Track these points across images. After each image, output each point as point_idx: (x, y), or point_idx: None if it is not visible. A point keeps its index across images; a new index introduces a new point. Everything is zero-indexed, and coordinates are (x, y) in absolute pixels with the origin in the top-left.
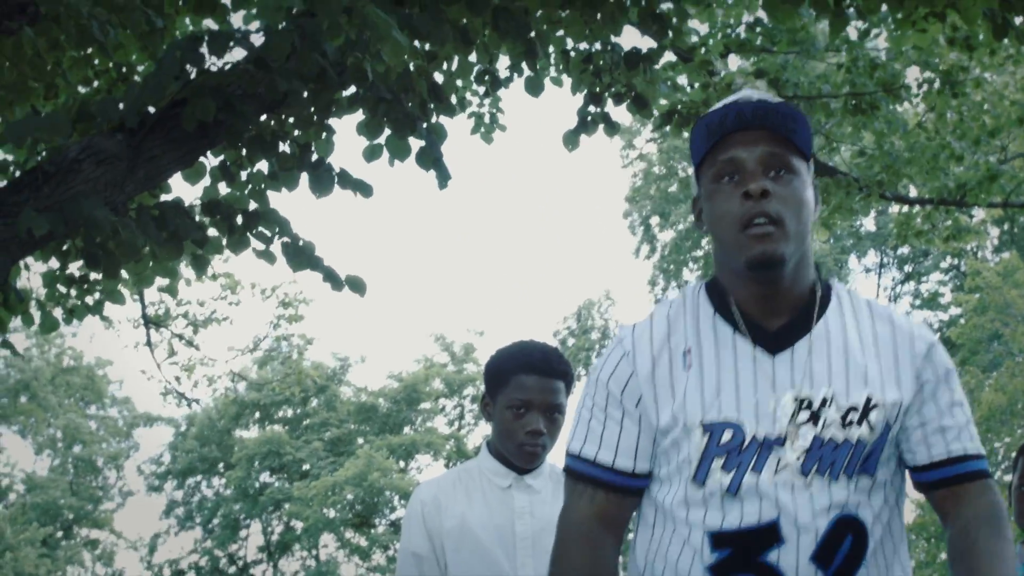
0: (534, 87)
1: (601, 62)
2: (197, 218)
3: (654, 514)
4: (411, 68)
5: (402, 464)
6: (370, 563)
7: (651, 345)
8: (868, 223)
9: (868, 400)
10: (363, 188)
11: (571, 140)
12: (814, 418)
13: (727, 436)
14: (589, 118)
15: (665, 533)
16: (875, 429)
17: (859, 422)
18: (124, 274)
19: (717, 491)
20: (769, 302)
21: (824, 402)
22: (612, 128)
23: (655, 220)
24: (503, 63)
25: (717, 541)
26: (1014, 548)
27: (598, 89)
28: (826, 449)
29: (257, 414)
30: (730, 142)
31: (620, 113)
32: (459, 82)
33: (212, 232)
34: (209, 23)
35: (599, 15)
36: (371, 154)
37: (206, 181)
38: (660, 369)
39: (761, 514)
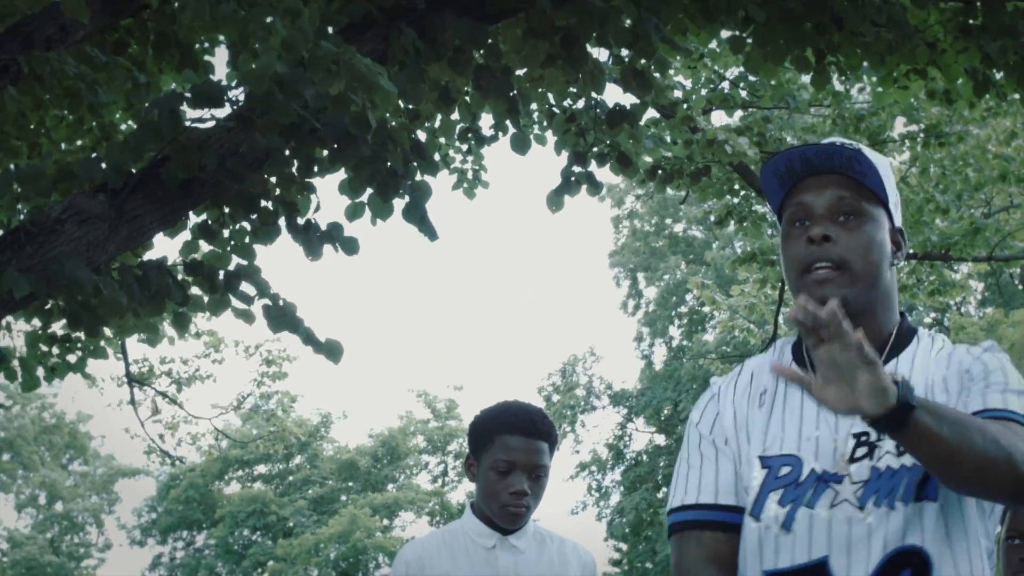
0: (520, 144)
1: (584, 121)
2: (179, 277)
3: None
4: (393, 125)
5: (385, 522)
6: None
7: (734, 389)
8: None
9: None
10: (348, 245)
11: (555, 201)
12: (871, 451)
13: (785, 470)
14: (573, 178)
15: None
16: None
17: None
18: (106, 330)
19: (772, 525)
20: None
21: (880, 435)
22: (595, 187)
23: (641, 275)
24: (486, 121)
25: None
26: (1006, 440)
27: (581, 149)
28: (883, 479)
29: (240, 471)
30: (801, 188)
31: (604, 172)
32: (442, 139)
33: (194, 291)
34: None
35: (580, 73)
36: (353, 213)
37: (186, 236)
38: (739, 410)
39: (811, 551)
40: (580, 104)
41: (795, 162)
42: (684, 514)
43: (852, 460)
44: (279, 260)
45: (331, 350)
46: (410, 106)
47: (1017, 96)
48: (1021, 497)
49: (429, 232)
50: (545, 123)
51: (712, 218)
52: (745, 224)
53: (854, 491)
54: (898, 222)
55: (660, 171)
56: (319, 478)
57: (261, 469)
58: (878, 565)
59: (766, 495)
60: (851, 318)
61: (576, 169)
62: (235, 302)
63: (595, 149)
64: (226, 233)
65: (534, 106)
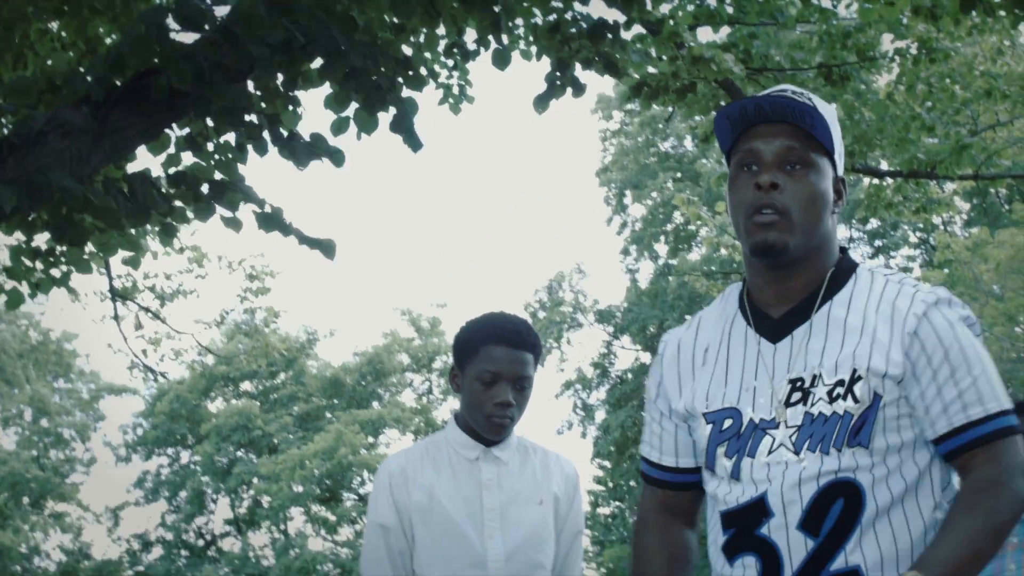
0: (501, 60)
1: (568, 31)
2: (163, 189)
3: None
4: (379, 41)
5: (370, 439)
6: (338, 537)
7: (678, 348)
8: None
9: (854, 372)
10: (335, 156)
11: (541, 104)
12: (805, 396)
13: (727, 423)
14: (557, 82)
15: (711, 518)
16: (861, 400)
17: (844, 395)
18: (90, 246)
19: (724, 476)
20: (777, 289)
21: (814, 380)
22: (579, 90)
23: (629, 192)
24: (471, 36)
25: (726, 521)
26: (987, 520)
27: (565, 56)
28: (816, 424)
29: (226, 388)
30: (752, 134)
31: (592, 79)
32: (427, 55)
33: (178, 203)
34: None
35: None
36: (338, 128)
37: (171, 150)
38: (683, 368)
39: (755, 490)
40: (567, 16)
41: (749, 109)
42: (643, 465)
43: (788, 405)
44: (262, 176)
45: (325, 247)
46: (395, 20)
47: (1003, 13)
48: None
49: (413, 143)
50: (531, 37)
51: (698, 134)
52: None
53: (789, 435)
54: (841, 171)
55: (646, 87)
56: (304, 395)
57: (247, 386)
58: (812, 497)
59: (715, 448)
60: (790, 264)
61: (559, 74)
62: (220, 210)
63: (580, 54)
64: (210, 147)
65: (519, 21)
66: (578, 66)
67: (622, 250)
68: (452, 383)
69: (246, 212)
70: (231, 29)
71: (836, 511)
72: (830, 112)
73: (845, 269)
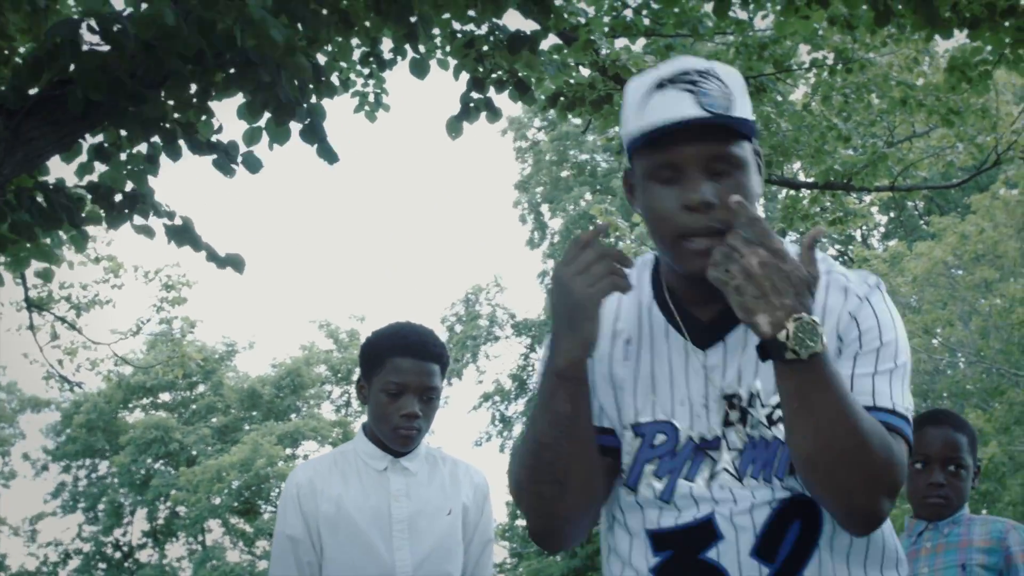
0: (419, 69)
1: (484, 47)
2: (76, 198)
3: (613, 514)
4: (291, 52)
5: (288, 451)
6: (255, 549)
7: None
8: (758, 210)
9: None
10: (250, 163)
11: (454, 127)
12: (743, 416)
13: (660, 439)
14: (472, 104)
15: (617, 534)
16: None
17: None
18: (1, 257)
19: (650, 497)
20: (704, 292)
21: (751, 399)
22: (494, 114)
23: (545, 208)
24: (387, 45)
25: (657, 541)
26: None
27: (480, 74)
28: (759, 449)
29: (144, 400)
30: (669, 138)
31: (504, 101)
32: (343, 63)
33: (90, 208)
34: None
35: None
36: (251, 138)
37: (82, 158)
38: (601, 349)
39: (698, 510)
40: (483, 29)
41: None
42: None
43: (726, 424)
44: (176, 187)
45: (233, 262)
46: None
47: (917, 28)
48: (878, 510)
49: (328, 155)
50: (448, 48)
51: (614, 145)
52: None
53: (731, 459)
54: (756, 141)
55: (562, 98)
56: (223, 406)
57: (165, 397)
58: (766, 520)
59: (641, 466)
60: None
61: (475, 96)
62: (135, 218)
63: (494, 75)
64: (123, 156)
65: (436, 31)
66: (492, 89)
67: (539, 272)
68: (359, 394)
69: (158, 223)
70: (148, 43)
71: (793, 535)
72: (737, 80)
73: None
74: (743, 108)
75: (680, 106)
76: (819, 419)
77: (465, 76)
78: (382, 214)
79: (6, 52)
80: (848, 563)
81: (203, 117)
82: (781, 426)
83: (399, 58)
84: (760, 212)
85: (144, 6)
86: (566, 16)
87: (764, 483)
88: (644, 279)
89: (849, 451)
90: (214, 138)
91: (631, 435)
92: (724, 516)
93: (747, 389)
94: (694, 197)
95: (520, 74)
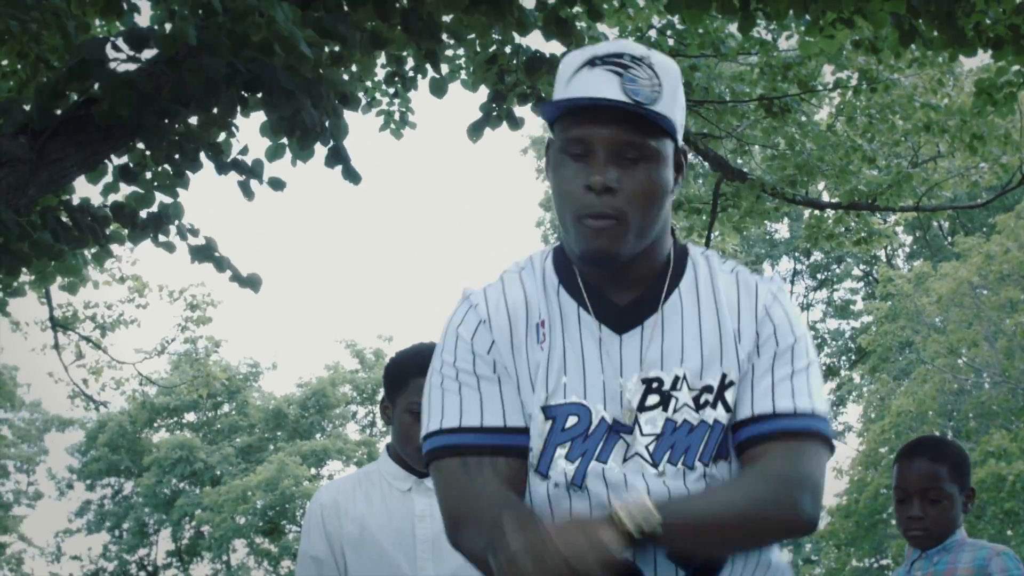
0: (438, 89)
1: (504, 63)
2: (102, 217)
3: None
4: (320, 72)
5: (313, 471)
6: (280, 569)
7: (508, 314)
8: (782, 230)
9: (723, 377)
10: (274, 181)
11: (475, 133)
12: (664, 400)
13: (571, 421)
14: (494, 113)
15: None
16: (732, 409)
17: (714, 403)
18: (26, 274)
19: (562, 482)
20: (614, 279)
21: (676, 382)
22: (515, 123)
23: None
24: (410, 64)
25: None
26: (750, 503)
27: (503, 88)
28: (679, 434)
29: (169, 420)
30: (585, 115)
31: (526, 113)
32: (368, 83)
33: (113, 226)
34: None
35: (504, 19)
36: (274, 153)
37: (108, 179)
38: (517, 339)
39: (607, 509)
40: (507, 49)
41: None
42: (469, 437)
43: (643, 409)
44: (201, 205)
45: (251, 282)
46: (336, 48)
47: (942, 48)
48: (804, 527)
49: (352, 177)
50: (471, 68)
51: None
52: None
53: (646, 444)
54: (681, 140)
55: None
56: (247, 426)
57: (190, 417)
58: None
59: (552, 449)
60: (624, 264)
61: (495, 105)
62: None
63: (516, 89)
64: (148, 175)
65: (461, 51)
66: (514, 100)
67: None
68: (383, 415)
69: (182, 243)
70: (175, 59)
71: None
72: (672, 75)
73: (680, 254)
74: (669, 104)
75: (603, 87)
76: (715, 543)
77: (485, 89)
78: (406, 232)
79: (32, 73)
80: (758, 562)
81: (225, 136)
82: (708, 410)
83: (420, 76)
84: (666, 208)
85: (169, 25)
86: (587, 40)
87: (683, 468)
88: (547, 266)
89: (753, 535)
90: (239, 157)
91: (542, 418)
92: None
93: (671, 373)
94: (596, 180)
95: (542, 93)
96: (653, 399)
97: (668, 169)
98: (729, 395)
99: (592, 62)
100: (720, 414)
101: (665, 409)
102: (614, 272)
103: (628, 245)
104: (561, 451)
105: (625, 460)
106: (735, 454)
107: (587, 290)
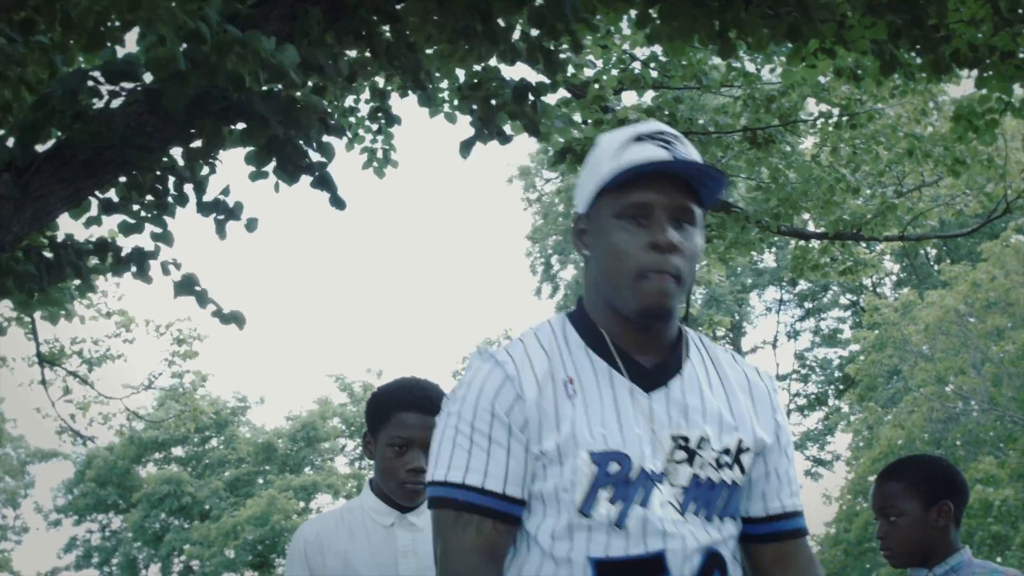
0: (427, 101)
1: (490, 90)
2: (85, 252)
3: (526, 546)
4: (299, 104)
5: (302, 504)
6: None
7: (534, 371)
8: (768, 260)
9: (740, 442)
10: (249, 223)
11: (465, 149)
12: (691, 457)
13: (614, 467)
14: (485, 131)
15: (537, 565)
16: (746, 472)
17: (731, 465)
18: (9, 309)
19: (604, 523)
20: (645, 340)
21: (701, 442)
22: (504, 138)
23: (556, 259)
24: (392, 98)
25: (601, 569)
26: None
27: (492, 107)
28: (703, 489)
29: (157, 454)
30: (644, 185)
31: (515, 146)
32: (351, 119)
33: (94, 260)
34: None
35: (497, 48)
36: (257, 176)
37: (92, 212)
38: (546, 396)
39: (647, 545)
40: (491, 80)
41: (659, 167)
42: (466, 494)
43: (675, 463)
44: (190, 240)
45: (235, 318)
46: (319, 83)
47: (924, 75)
48: None
49: (338, 204)
50: (456, 101)
51: None
52: None
53: (675, 495)
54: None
55: (571, 152)
56: (235, 460)
57: (178, 452)
58: (700, 563)
59: (596, 492)
60: (663, 323)
61: (484, 123)
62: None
63: (506, 108)
64: (135, 207)
65: (444, 84)
66: (505, 118)
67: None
68: (365, 449)
69: (165, 277)
70: (153, 91)
71: None
72: (697, 154)
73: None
74: (711, 184)
75: (659, 156)
76: None
77: (466, 120)
78: (394, 266)
79: (13, 95)
80: None
81: (207, 172)
82: (727, 471)
83: (407, 94)
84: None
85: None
86: (572, 72)
87: (704, 520)
88: (568, 329)
89: None
90: (220, 197)
91: (587, 462)
92: (675, 552)
93: (697, 432)
94: (662, 238)
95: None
96: (681, 455)
97: (702, 236)
98: (745, 459)
99: (639, 138)
100: (737, 475)
101: (691, 465)
102: (648, 332)
103: (678, 303)
104: (604, 493)
105: (661, 506)
106: (751, 541)
107: (616, 351)
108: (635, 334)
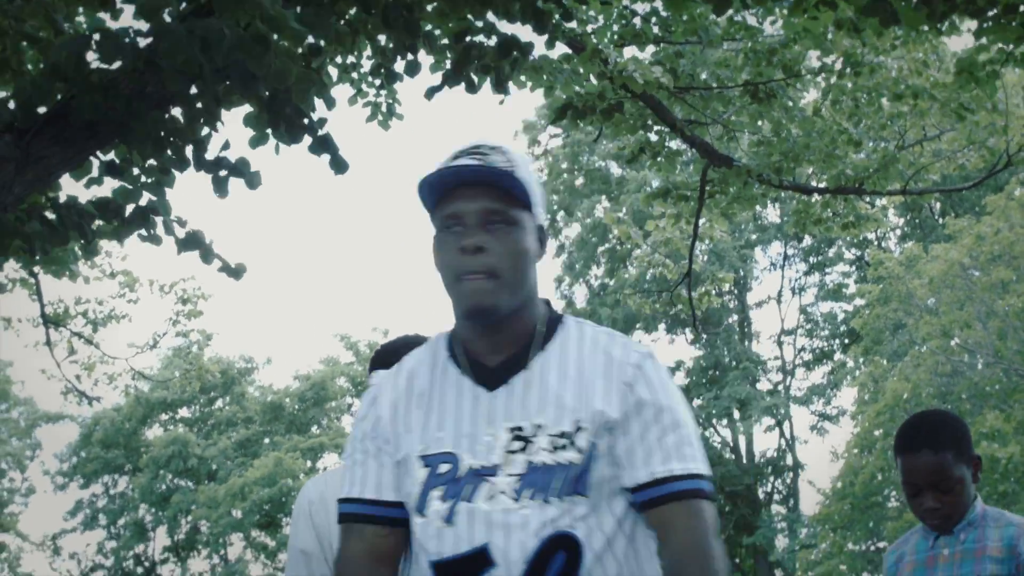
0: (412, 69)
1: (477, 40)
2: (87, 213)
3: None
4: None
5: (309, 464)
6: (277, 563)
7: (393, 391)
8: (772, 215)
9: (576, 423)
10: (251, 179)
11: (431, 93)
12: (526, 446)
13: (444, 468)
14: (453, 75)
15: (412, 566)
16: (583, 451)
17: (568, 446)
18: (15, 270)
19: (435, 520)
20: (490, 342)
21: (536, 429)
22: (501, 88)
23: (560, 216)
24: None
25: (438, 570)
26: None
27: (467, 56)
28: (539, 473)
29: (164, 415)
30: (455, 195)
31: (521, 99)
32: (354, 75)
33: (98, 223)
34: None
35: (492, 4)
36: (257, 140)
37: (93, 174)
38: (399, 412)
39: (473, 540)
40: (480, 28)
41: (448, 178)
42: (348, 506)
43: (509, 452)
44: (192, 199)
45: (235, 271)
46: (317, 44)
47: (926, 28)
48: None
49: (339, 166)
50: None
51: (624, 155)
52: (659, 159)
53: (510, 484)
54: (540, 220)
55: (572, 108)
56: (243, 419)
57: (185, 413)
58: (534, 549)
59: (428, 492)
60: (501, 321)
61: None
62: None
63: (481, 60)
64: (135, 171)
65: (445, 42)
66: (477, 67)
67: (555, 278)
68: None
69: (169, 236)
70: (153, 60)
71: (558, 564)
72: (524, 164)
73: (552, 320)
74: (523, 186)
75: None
76: None
77: (450, 57)
78: (399, 225)
79: (15, 71)
80: None
81: (208, 131)
82: (562, 452)
83: (400, 58)
84: (531, 272)
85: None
86: (566, 29)
87: (541, 503)
88: (440, 346)
89: None
90: (222, 154)
91: (419, 465)
92: (498, 545)
93: (531, 422)
94: (468, 242)
95: (505, 70)
96: (516, 445)
97: (531, 237)
98: (581, 439)
99: (456, 156)
100: (573, 455)
101: (526, 452)
102: (491, 332)
103: (503, 299)
104: (436, 493)
105: (490, 498)
106: (638, 511)
107: (467, 357)
108: (481, 337)
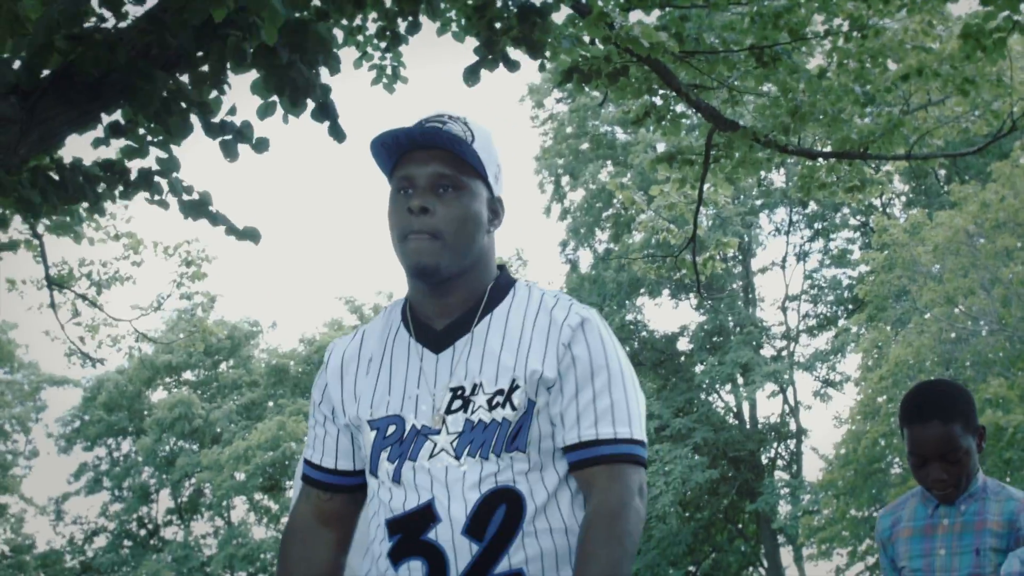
0: (413, 28)
1: (494, 14)
2: (93, 174)
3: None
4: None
5: None
6: (280, 526)
7: (342, 358)
8: (778, 181)
9: (512, 381)
10: (258, 144)
11: (471, 77)
12: (465, 404)
13: (391, 430)
14: (489, 56)
15: (372, 523)
16: (518, 408)
17: (504, 404)
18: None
19: (386, 480)
20: (437, 304)
21: (474, 389)
22: (511, 65)
23: (566, 179)
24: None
25: (391, 528)
26: (624, 543)
27: (496, 33)
28: (476, 431)
29: (168, 378)
30: (408, 159)
31: (524, 65)
32: (359, 38)
33: (104, 185)
34: None
35: None
36: (265, 111)
37: (99, 134)
38: (347, 378)
39: (419, 497)
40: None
41: (401, 139)
42: (304, 467)
43: (449, 412)
44: (197, 162)
45: (251, 235)
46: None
47: None
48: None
49: (338, 135)
50: (462, 20)
51: (630, 119)
52: (664, 123)
53: (450, 441)
54: (498, 192)
55: (578, 72)
56: (249, 382)
57: (189, 376)
58: (476, 503)
59: (378, 454)
60: (446, 281)
61: (489, 50)
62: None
63: (510, 32)
64: (141, 131)
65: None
66: (508, 43)
67: (560, 242)
68: None
69: (174, 198)
70: (157, 16)
71: (499, 517)
72: (484, 137)
73: (503, 285)
74: (480, 151)
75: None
76: None
77: (474, 35)
78: None
79: (19, 34)
80: (552, 538)
81: (215, 94)
82: (499, 410)
83: (402, 20)
84: (480, 237)
85: None
86: None
87: (480, 459)
88: (395, 312)
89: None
90: (227, 118)
91: (368, 429)
92: (441, 500)
93: (471, 382)
94: (414, 203)
95: (535, 37)
96: (457, 404)
97: (481, 205)
98: (516, 397)
99: (420, 123)
100: (508, 413)
101: (466, 411)
102: (438, 295)
103: (446, 260)
104: (384, 454)
105: (432, 456)
106: (571, 472)
107: (414, 321)
108: (429, 300)
